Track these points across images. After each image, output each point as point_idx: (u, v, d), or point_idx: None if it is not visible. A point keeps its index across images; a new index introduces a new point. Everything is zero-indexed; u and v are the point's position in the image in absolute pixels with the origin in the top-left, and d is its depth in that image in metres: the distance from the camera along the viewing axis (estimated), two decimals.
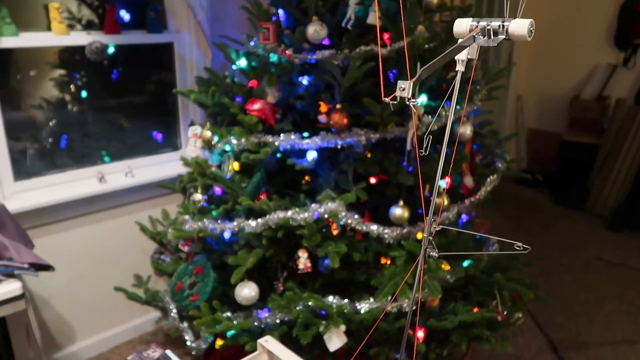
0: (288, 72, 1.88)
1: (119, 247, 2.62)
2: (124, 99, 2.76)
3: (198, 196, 1.98)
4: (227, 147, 1.98)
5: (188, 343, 2.04)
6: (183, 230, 1.89)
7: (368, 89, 1.78)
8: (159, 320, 2.31)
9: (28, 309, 1.53)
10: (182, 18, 2.63)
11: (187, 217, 2.13)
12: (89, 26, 2.42)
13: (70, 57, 2.53)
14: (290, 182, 2.02)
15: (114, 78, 2.73)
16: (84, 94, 2.61)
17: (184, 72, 2.72)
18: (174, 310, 2.19)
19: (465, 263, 1.98)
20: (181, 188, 2.29)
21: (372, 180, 1.88)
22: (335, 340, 1.62)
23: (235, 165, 2.03)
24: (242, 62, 2.06)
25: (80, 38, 2.32)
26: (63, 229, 2.40)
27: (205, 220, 1.88)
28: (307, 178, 1.97)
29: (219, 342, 1.93)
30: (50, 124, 2.49)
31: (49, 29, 2.26)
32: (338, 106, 1.73)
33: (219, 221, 1.88)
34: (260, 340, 1.33)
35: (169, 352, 1.21)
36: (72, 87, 2.65)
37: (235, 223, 1.81)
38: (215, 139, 2.01)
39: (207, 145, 2.05)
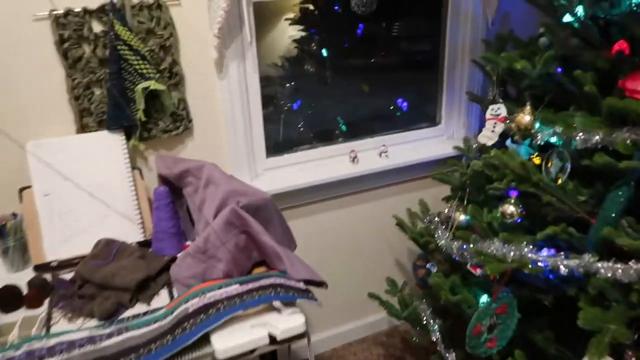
0: None
1: (362, 236, 2.25)
2: (374, 60, 2.31)
3: (511, 208, 1.42)
4: (554, 140, 1.37)
5: None
6: (493, 257, 1.37)
7: None
8: (417, 338, 1.89)
9: (309, 347, 1.19)
10: None
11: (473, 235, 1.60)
12: None
13: (308, 9, 2.14)
14: None
15: (360, 34, 2.28)
16: (324, 53, 2.22)
17: (456, 26, 2.13)
18: (438, 334, 1.74)
19: None
20: (460, 184, 1.77)
21: None
22: None
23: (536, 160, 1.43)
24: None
25: None
26: (305, 213, 2.10)
27: (525, 247, 1.32)
28: None
29: None
30: (291, 92, 2.17)
31: None
32: None
33: (545, 251, 1.31)
34: None
35: None
36: (312, 44, 2.28)
37: (579, 261, 1.21)
38: (537, 125, 1.41)
39: (519, 133, 1.46)
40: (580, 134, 1.26)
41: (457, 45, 2.16)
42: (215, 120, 1.81)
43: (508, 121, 1.51)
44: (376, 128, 2.29)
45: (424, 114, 2.36)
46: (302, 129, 2.22)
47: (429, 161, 2.16)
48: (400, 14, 2.23)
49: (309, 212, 2.10)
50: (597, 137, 1.24)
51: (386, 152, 2.13)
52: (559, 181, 1.34)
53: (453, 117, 2.28)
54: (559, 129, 1.33)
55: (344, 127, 2.29)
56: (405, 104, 2.41)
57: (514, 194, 1.59)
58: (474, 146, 1.93)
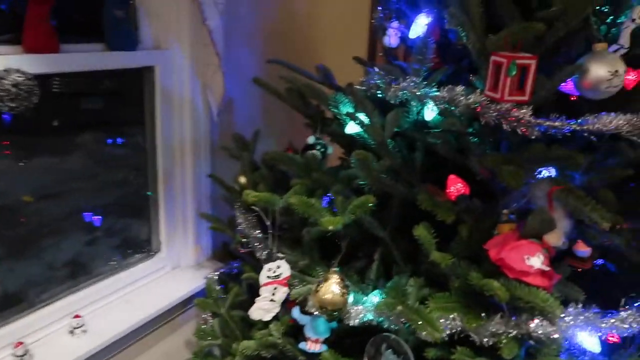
0: None
1: None
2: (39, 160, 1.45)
3: None
4: (378, 320, 0.89)
5: None
6: None
7: None
8: None
9: None
10: (170, 22, 1.41)
11: None
12: None
13: None
14: None
15: (8, 120, 1.40)
16: None
17: (169, 119, 1.49)
18: None
19: None
20: None
21: None
22: None
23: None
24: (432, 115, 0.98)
25: None
26: None
27: None
28: None
29: None
30: None
31: None
32: None
33: None
34: None
35: None
36: None
37: None
38: (350, 300, 0.90)
39: (322, 310, 0.92)
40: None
41: (174, 145, 1.52)
42: None
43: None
44: (55, 275, 1.41)
45: (132, 239, 1.61)
46: None
47: (151, 320, 1.43)
48: (84, 94, 1.46)
49: None
50: (455, 326, 0.80)
51: (81, 325, 1.29)
52: None
53: (177, 240, 1.61)
54: (389, 311, 0.85)
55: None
56: (97, 219, 1.60)
57: None
58: (225, 296, 1.33)
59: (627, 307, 0.81)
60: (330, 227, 0.82)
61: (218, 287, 1.43)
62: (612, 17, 1.01)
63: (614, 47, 0.98)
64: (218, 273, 1.52)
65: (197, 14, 1.37)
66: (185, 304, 1.58)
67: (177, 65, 1.45)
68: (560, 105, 0.97)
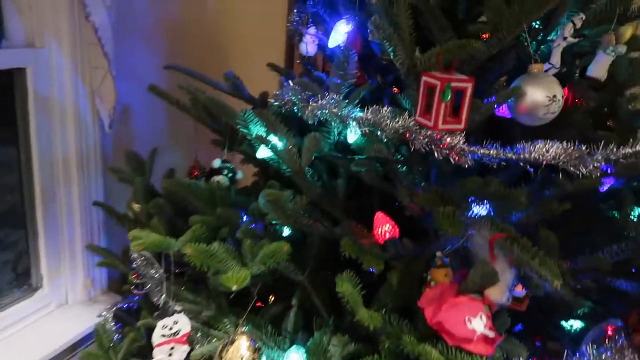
0: None
1: None
2: None
3: None
4: None
5: None
6: None
7: None
8: None
9: None
10: (45, 16, 1.17)
11: None
12: None
13: None
14: None
15: None
16: None
17: (47, 128, 1.25)
18: None
19: None
20: None
21: None
22: None
23: None
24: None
25: None
26: None
27: None
28: None
29: None
30: None
31: None
32: None
33: None
34: None
35: None
36: None
37: None
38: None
39: None
40: None
41: (55, 161, 1.28)
42: None
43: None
44: None
45: (5, 274, 1.34)
46: None
47: None
48: None
49: None
50: None
51: None
52: None
53: (62, 273, 1.37)
54: None
55: None
56: None
57: None
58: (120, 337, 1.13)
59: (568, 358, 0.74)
60: (234, 287, 0.67)
61: (113, 327, 1.22)
62: (542, 34, 0.95)
63: (546, 66, 0.91)
64: (114, 310, 1.30)
65: (79, 7, 1.15)
66: (75, 347, 1.35)
67: (56, 67, 1.21)
68: (488, 127, 0.88)
